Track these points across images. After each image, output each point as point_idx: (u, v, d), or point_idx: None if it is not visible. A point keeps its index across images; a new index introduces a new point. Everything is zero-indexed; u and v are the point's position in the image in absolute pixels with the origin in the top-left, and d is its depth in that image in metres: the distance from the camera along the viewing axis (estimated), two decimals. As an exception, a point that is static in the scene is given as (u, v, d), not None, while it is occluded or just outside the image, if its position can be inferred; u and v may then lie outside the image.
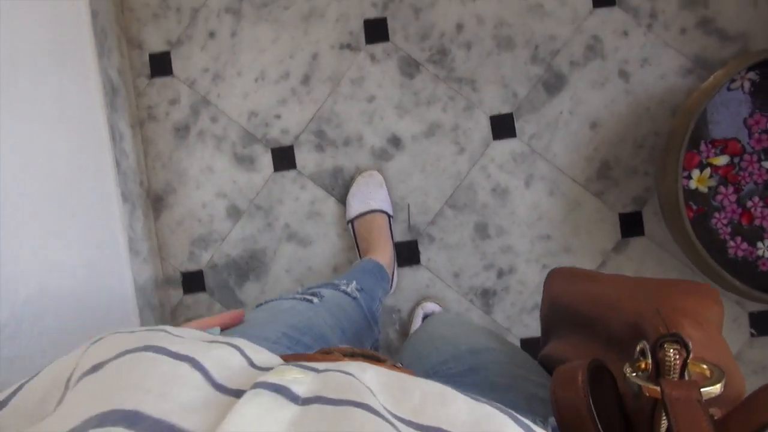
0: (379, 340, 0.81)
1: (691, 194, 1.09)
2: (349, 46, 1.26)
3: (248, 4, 1.27)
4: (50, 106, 1.01)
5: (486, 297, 1.29)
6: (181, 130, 1.29)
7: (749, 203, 1.08)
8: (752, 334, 1.25)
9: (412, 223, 1.28)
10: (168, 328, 0.34)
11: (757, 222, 1.08)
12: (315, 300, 0.67)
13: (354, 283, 0.84)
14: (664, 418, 0.33)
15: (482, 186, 1.26)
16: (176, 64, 1.29)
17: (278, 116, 1.28)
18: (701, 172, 1.08)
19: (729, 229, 1.09)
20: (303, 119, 1.28)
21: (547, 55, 1.24)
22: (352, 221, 1.25)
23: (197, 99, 1.28)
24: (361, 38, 1.26)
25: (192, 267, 1.32)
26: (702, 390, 0.32)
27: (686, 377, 0.34)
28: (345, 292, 0.78)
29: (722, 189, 1.08)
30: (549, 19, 1.23)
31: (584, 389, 0.34)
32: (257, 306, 0.67)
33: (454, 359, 0.53)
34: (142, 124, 1.30)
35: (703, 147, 1.08)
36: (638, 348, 0.36)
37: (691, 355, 0.34)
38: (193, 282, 1.32)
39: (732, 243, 1.09)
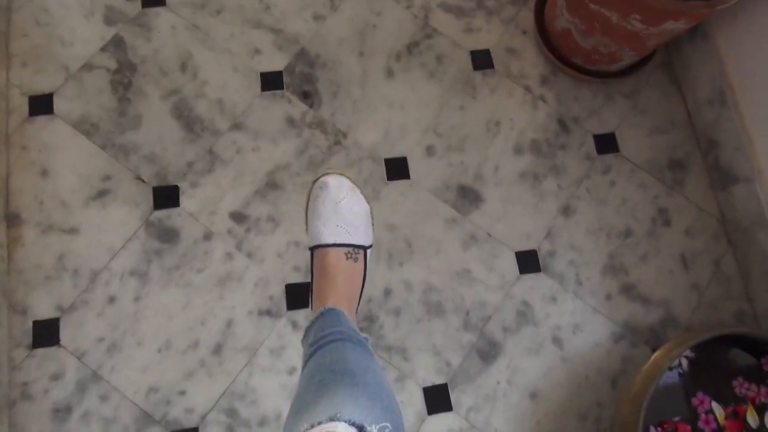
0: None
1: (649, 485, 0.99)
2: (268, 312, 1.16)
3: (157, 267, 1.16)
4: None
5: None
6: (61, 411, 1.08)
7: (710, 493, 0.99)
8: None
9: None
10: None
11: None
12: None
13: None
14: None
15: (418, 469, 1.11)
16: (65, 333, 1.11)
17: (183, 392, 1.10)
18: (656, 459, 1.00)
19: None
20: (212, 395, 1.11)
21: (479, 321, 1.18)
22: None
23: (86, 373, 1.10)
24: (282, 304, 1.16)
25: None
26: None
27: None
28: None
29: (680, 478, 0.99)
30: (478, 285, 1.20)
31: None
32: None
33: None
34: (12, 406, 1.08)
35: (652, 431, 1.00)
36: None
37: None
38: None
39: None
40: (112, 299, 1.14)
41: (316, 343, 0.76)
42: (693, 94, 1.33)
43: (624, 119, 1.33)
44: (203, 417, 1.10)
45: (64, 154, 1.20)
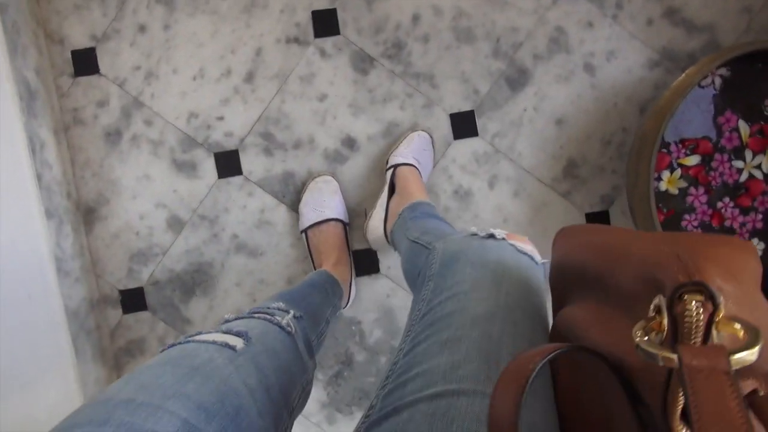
0: (312, 377, 0.73)
1: (662, 196, 1.04)
2: (296, 40, 1.16)
3: (182, -6, 1.14)
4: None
5: (450, 304, 1.22)
6: (112, 135, 1.17)
7: (719, 204, 1.04)
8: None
9: (370, 229, 1.20)
10: None
11: (727, 223, 1.04)
12: (239, 345, 0.57)
13: (291, 313, 0.74)
14: (682, 394, 0.26)
15: (444, 188, 1.19)
16: (103, 62, 1.15)
17: (221, 118, 1.17)
18: (671, 173, 1.03)
19: (700, 231, 1.04)
20: (248, 120, 1.17)
21: (509, 49, 1.16)
22: (305, 231, 1.16)
23: (129, 100, 1.16)
24: (309, 31, 1.15)
25: (131, 284, 1.20)
26: (732, 358, 0.24)
27: (713, 341, 0.26)
28: (278, 326, 0.69)
29: (693, 190, 1.04)
30: (510, 10, 1.15)
31: (517, 400, 0.27)
32: (169, 345, 0.56)
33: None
34: (67, 129, 1.16)
35: (673, 147, 1.03)
36: (653, 304, 0.28)
37: (720, 312, 0.27)
38: (133, 300, 1.21)
39: (703, 246, 1.05)
40: (142, 28, 1.15)
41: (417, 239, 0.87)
42: None
43: None
44: (242, 140, 1.17)
45: None
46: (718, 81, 1.02)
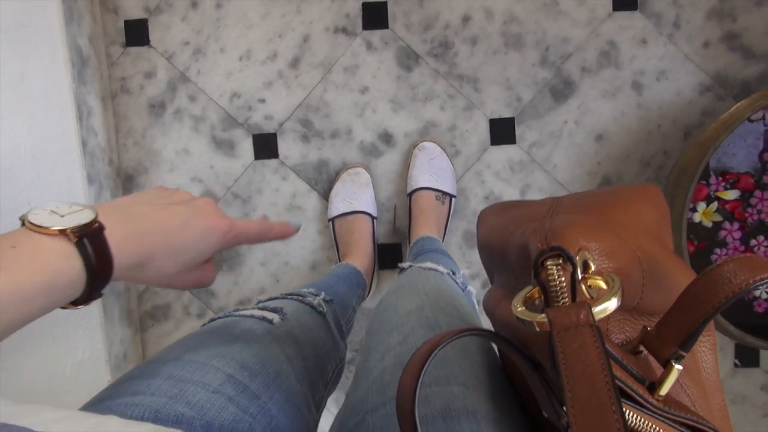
0: (345, 356, 0.76)
1: (694, 227, 1.03)
2: (344, 30, 1.16)
3: (236, -26, 1.15)
4: (6, 80, 0.91)
5: (469, 305, 1.23)
6: (157, 107, 1.19)
7: (753, 242, 1.02)
8: (736, 365, 1.22)
9: (397, 225, 1.21)
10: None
11: (759, 261, 1.03)
12: (276, 319, 0.61)
13: (322, 294, 0.78)
14: None
15: (475, 192, 1.19)
16: (154, 34, 1.17)
17: (262, 100, 1.18)
18: (707, 205, 1.02)
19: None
20: (289, 106, 1.18)
21: (558, 59, 1.14)
22: (332, 220, 1.17)
23: (175, 74, 1.18)
24: (357, 22, 1.15)
25: (162, 252, 1.24)
26: (594, 310, 0.26)
27: (583, 298, 0.28)
28: (311, 305, 0.72)
29: (727, 225, 1.02)
30: (563, 19, 1.13)
31: (412, 391, 0.29)
32: (210, 320, 0.60)
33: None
34: (114, 97, 1.19)
35: (713, 179, 1.01)
36: (532, 274, 0.30)
37: (591, 268, 0.28)
38: (163, 267, 1.25)
39: (731, 281, 1.03)
40: (194, 4, 1.16)
41: (417, 255, 1.00)
42: None
43: None
44: (281, 124, 1.18)
45: None
46: (769, 116, 0.99)
